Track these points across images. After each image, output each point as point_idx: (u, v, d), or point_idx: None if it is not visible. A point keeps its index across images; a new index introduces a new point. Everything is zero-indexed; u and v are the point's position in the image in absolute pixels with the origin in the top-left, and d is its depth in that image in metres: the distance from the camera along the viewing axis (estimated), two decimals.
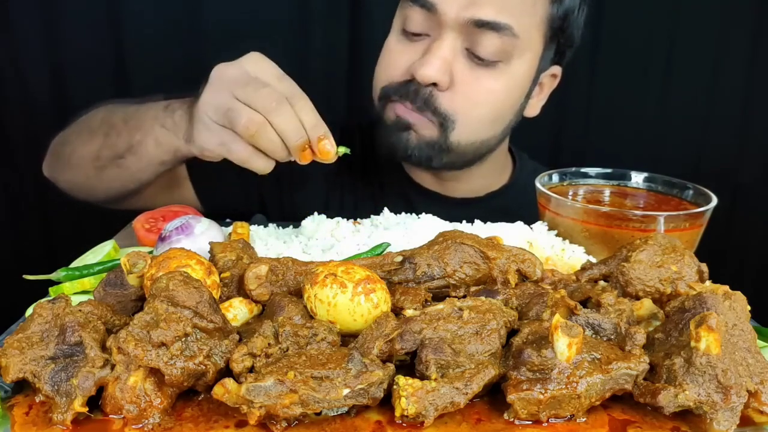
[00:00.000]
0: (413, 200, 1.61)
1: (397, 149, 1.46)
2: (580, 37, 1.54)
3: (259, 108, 1.08)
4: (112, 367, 0.72)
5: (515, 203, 1.57)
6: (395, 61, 1.43)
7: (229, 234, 1.15)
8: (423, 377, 0.74)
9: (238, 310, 0.88)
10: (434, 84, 1.37)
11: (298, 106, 1.09)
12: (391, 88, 1.44)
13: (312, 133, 1.09)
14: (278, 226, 1.25)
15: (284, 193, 1.67)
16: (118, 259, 1.05)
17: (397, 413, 0.71)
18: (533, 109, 1.58)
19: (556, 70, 1.56)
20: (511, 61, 1.39)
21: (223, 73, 1.16)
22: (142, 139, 1.33)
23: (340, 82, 2.24)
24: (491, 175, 1.67)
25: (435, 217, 1.21)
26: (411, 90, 1.39)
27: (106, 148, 1.41)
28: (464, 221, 1.22)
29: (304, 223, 1.21)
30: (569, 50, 1.54)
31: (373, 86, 1.50)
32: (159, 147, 1.31)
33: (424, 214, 1.23)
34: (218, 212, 1.42)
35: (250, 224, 1.21)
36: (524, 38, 1.38)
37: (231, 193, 1.62)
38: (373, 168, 1.65)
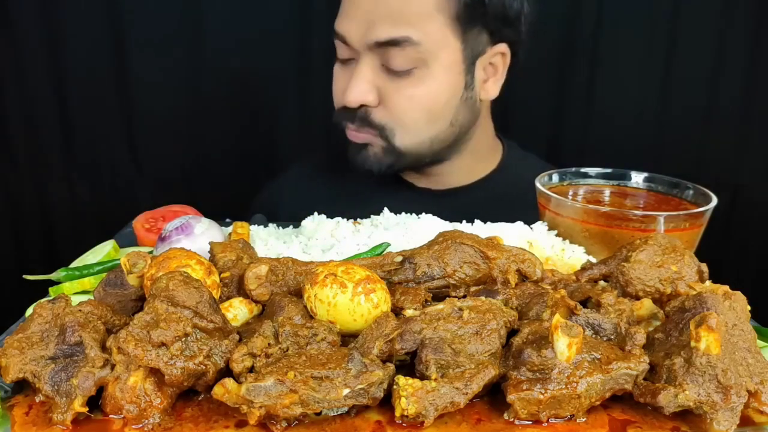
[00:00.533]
0: (405, 197, 1.63)
1: (358, 166, 1.59)
2: (520, 5, 1.52)
3: None
4: (112, 367, 0.72)
5: (505, 189, 1.61)
6: (336, 88, 1.59)
7: (229, 234, 1.15)
8: (423, 377, 0.74)
9: (238, 310, 0.88)
10: (365, 104, 1.49)
11: None
12: (338, 115, 1.57)
13: None
14: (278, 226, 1.25)
15: (275, 198, 1.71)
16: (118, 259, 1.05)
17: (397, 413, 0.71)
18: (492, 91, 1.59)
19: (502, 48, 1.54)
20: (428, 63, 1.45)
21: None
22: None
23: None
24: (476, 163, 1.69)
25: (435, 217, 1.21)
26: (351, 113, 1.52)
27: None
28: (464, 221, 1.22)
29: (304, 223, 1.21)
30: (508, 26, 1.52)
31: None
32: None
33: (424, 214, 1.23)
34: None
35: (250, 224, 1.21)
36: (432, 41, 1.43)
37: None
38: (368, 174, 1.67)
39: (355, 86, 1.48)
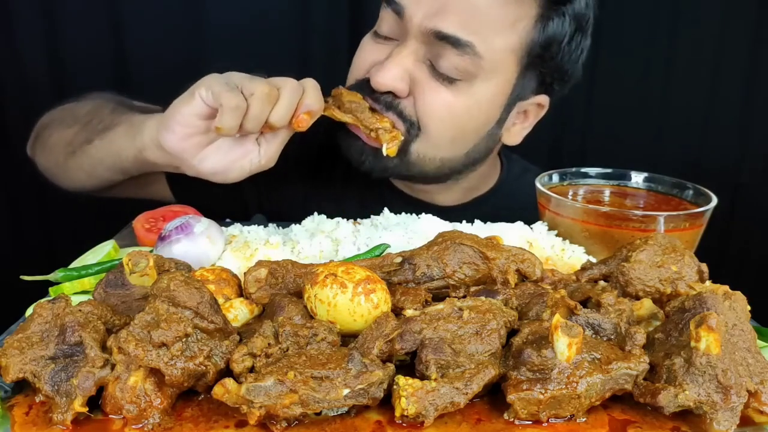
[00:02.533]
0: (395, 207, 1.45)
1: (351, 154, 1.41)
2: (580, 73, 1.46)
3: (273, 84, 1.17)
4: (112, 367, 0.72)
5: (502, 206, 1.54)
6: (363, 59, 1.41)
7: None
8: (423, 377, 0.74)
9: (238, 311, 0.88)
10: (391, 92, 1.33)
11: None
12: (353, 87, 1.38)
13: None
14: (278, 225, 1.25)
15: (262, 194, 1.62)
16: (117, 259, 1.05)
17: (397, 413, 0.71)
18: (515, 137, 1.50)
19: (543, 99, 1.46)
20: (474, 81, 1.32)
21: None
22: (119, 123, 1.33)
23: (341, 82, 2.24)
24: (475, 184, 1.61)
25: (435, 218, 1.21)
26: (371, 91, 1.34)
27: (82, 133, 1.41)
28: (464, 221, 1.22)
29: (304, 223, 1.21)
30: (559, 83, 1.46)
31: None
32: (129, 132, 1.28)
33: (423, 214, 1.23)
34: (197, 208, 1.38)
35: (250, 224, 1.21)
36: (491, 60, 1.30)
37: (207, 191, 1.48)
38: (356, 174, 1.52)
39: (391, 68, 1.30)
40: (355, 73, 1.42)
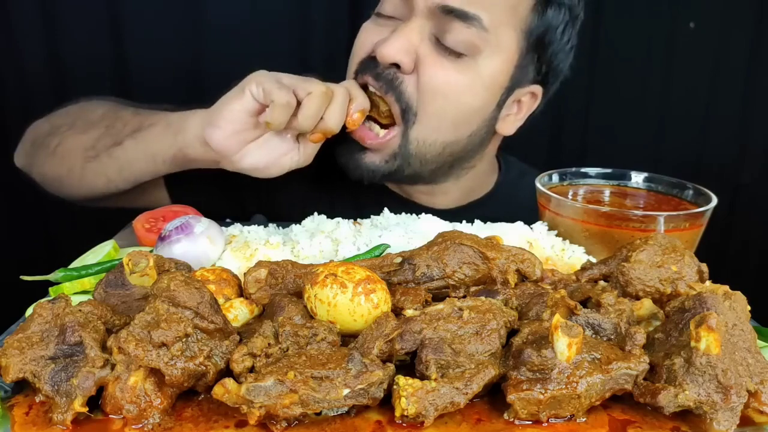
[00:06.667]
0: (391, 210, 1.46)
1: (348, 169, 1.44)
2: (569, 68, 1.49)
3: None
4: (112, 367, 0.72)
5: (500, 209, 1.49)
6: (363, 40, 1.41)
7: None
8: (423, 377, 0.74)
9: (238, 311, 0.88)
10: (397, 66, 1.33)
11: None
12: (357, 67, 1.40)
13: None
14: (278, 226, 1.25)
15: (262, 198, 1.61)
16: (117, 259, 1.05)
17: (397, 413, 0.71)
18: (509, 127, 1.51)
19: (536, 89, 1.48)
20: (478, 57, 1.33)
21: None
22: (153, 123, 1.35)
23: (341, 76, 2.23)
24: (473, 186, 1.61)
25: (435, 218, 1.21)
26: (376, 68, 1.35)
27: (107, 137, 1.40)
28: (464, 221, 1.22)
29: (304, 223, 1.21)
30: (553, 76, 1.48)
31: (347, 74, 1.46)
32: (167, 130, 1.32)
33: (423, 214, 1.23)
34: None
35: (250, 224, 1.21)
36: (495, 34, 1.32)
37: (207, 197, 1.52)
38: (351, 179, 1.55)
39: (396, 40, 1.31)
40: (358, 53, 1.41)
